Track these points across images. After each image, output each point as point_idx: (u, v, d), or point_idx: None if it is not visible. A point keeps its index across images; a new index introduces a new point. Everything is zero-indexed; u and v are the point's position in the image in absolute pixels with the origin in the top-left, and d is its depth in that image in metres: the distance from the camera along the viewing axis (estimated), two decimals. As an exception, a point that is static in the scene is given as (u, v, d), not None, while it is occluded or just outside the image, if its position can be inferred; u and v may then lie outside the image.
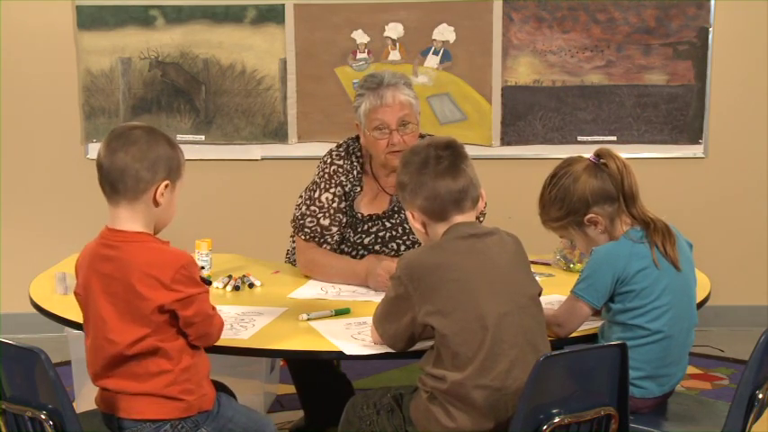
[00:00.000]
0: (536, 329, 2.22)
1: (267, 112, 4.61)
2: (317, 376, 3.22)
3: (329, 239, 3.03)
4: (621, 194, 2.42)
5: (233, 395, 2.50)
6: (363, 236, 3.07)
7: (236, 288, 2.89)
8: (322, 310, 2.62)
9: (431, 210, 2.24)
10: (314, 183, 3.09)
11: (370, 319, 2.37)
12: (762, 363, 2.25)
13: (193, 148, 4.54)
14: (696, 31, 4.53)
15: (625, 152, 2.54)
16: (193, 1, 4.52)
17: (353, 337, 2.41)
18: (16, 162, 4.67)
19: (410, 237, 3.05)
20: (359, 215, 3.07)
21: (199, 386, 2.22)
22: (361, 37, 4.55)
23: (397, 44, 4.55)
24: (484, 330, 2.13)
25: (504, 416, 2.14)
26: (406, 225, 3.04)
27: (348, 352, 2.33)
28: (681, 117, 4.60)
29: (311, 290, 2.90)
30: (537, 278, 2.37)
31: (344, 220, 3.05)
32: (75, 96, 4.62)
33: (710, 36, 4.53)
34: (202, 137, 4.63)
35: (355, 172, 3.08)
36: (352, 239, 3.07)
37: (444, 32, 4.54)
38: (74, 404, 2.20)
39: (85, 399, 3.00)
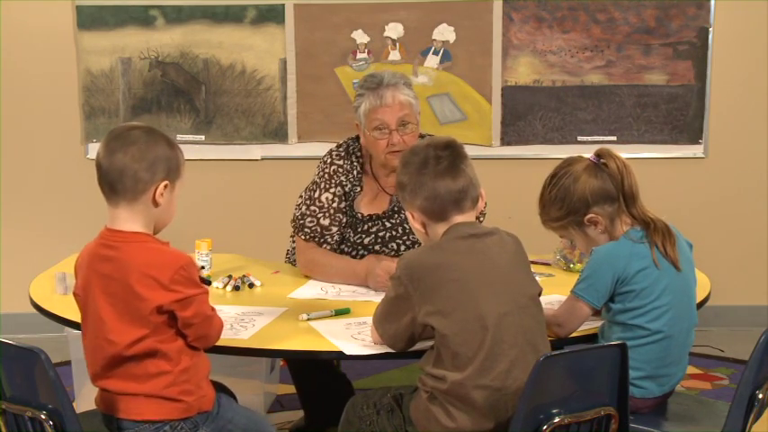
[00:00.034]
0: (536, 329, 2.22)
1: (267, 112, 4.61)
2: (316, 376, 3.22)
3: (329, 239, 3.03)
4: (621, 194, 2.42)
5: (233, 396, 2.50)
6: (363, 236, 3.07)
7: (236, 288, 2.89)
8: (322, 310, 2.62)
9: (430, 210, 2.24)
10: (314, 183, 3.09)
11: (370, 319, 2.37)
12: (762, 363, 2.25)
13: (193, 148, 4.54)
14: (696, 31, 4.53)
15: (625, 152, 2.54)
16: (193, 1, 4.52)
17: (353, 337, 2.41)
18: (16, 162, 4.67)
19: (410, 237, 3.05)
20: (359, 215, 3.07)
21: (198, 387, 2.22)
22: (361, 37, 4.55)
23: (397, 44, 4.55)
24: (484, 330, 2.13)
25: (504, 416, 2.14)
26: (406, 225, 3.04)
27: (348, 352, 2.33)
28: (681, 117, 4.60)
29: (311, 290, 2.90)
30: (537, 278, 2.37)
31: (344, 220, 3.05)
32: (75, 96, 4.62)
33: (710, 36, 4.53)
34: (202, 137, 4.63)
35: (355, 172, 3.08)
36: (352, 239, 3.07)
37: (444, 32, 4.54)
38: (74, 404, 2.20)
39: (85, 399, 3.00)
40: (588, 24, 4.53)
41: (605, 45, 4.54)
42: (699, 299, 2.60)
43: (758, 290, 4.72)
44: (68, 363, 3.51)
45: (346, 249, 3.08)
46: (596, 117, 4.60)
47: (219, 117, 4.62)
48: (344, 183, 3.06)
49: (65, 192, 4.68)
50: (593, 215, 2.43)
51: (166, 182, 2.18)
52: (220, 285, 2.90)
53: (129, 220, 2.17)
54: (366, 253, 3.05)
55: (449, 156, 2.25)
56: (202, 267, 2.97)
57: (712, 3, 4.50)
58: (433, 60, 4.56)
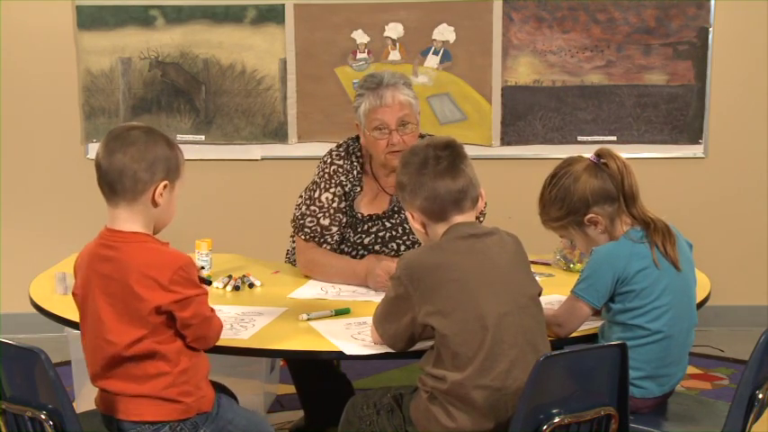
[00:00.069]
0: (536, 329, 2.22)
1: (267, 112, 4.61)
2: (316, 376, 3.22)
3: (329, 239, 3.03)
4: (622, 194, 2.41)
5: (234, 397, 2.50)
6: (363, 236, 3.07)
7: (236, 288, 2.89)
8: (322, 310, 2.62)
9: (430, 210, 2.24)
10: (314, 183, 3.09)
11: (370, 319, 2.37)
12: (762, 363, 2.25)
13: (193, 148, 4.54)
14: (696, 31, 4.53)
15: (625, 152, 2.54)
16: (193, 1, 4.52)
17: (353, 337, 2.41)
18: (16, 162, 4.67)
19: (410, 237, 3.05)
20: (359, 215, 3.07)
21: (197, 388, 2.22)
22: (361, 37, 4.55)
23: (397, 44, 4.55)
24: (484, 330, 2.13)
25: (504, 416, 2.13)
26: (406, 225, 3.04)
27: (348, 352, 2.33)
28: (681, 117, 4.60)
29: (311, 290, 2.90)
30: (537, 278, 2.37)
31: (344, 219, 3.05)
32: (75, 96, 4.62)
33: (710, 36, 4.53)
34: (202, 137, 4.63)
35: (355, 172, 3.08)
36: (352, 239, 3.07)
37: (444, 32, 4.54)
38: (74, 404, 2.20)
39: (85, 399, 3.00)
40: (588, 24, 4.53)
41: (605, 45, 4.54)
42: (699, 299, 2.60)
43: (758, 290, 4.72)
44: (68, 363, 3.51)
45: (346, 249, 3.08)
46: (596, 117, 4.60)
47: (219, 117, 4.62)
48: (344, 183, 3.06)
49: (65, 192, 4.68)
50: (593, 215, 2.43)
51: (166, 182, 2.18)
52: (220, 285, 2.90)
53: (129, 220, 2.17)
54: (366, 253, 3.05)
55: (448, 156, 2.25)
56: (202, 267, 2.97)
57: (712, 3, 4.50)
58: (433, 60, 4.56)
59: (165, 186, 2.18)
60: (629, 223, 2.43)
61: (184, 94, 4.60)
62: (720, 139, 4.63)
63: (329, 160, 3.09)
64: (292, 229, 3.13)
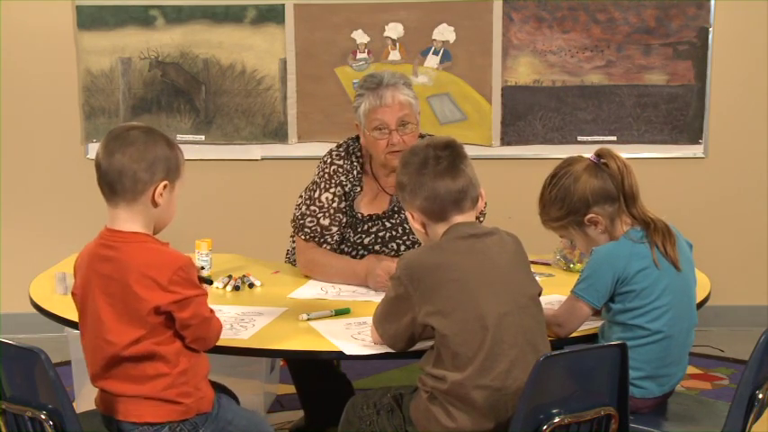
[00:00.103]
0: (536, 329, 2.22)
1: (267, 112, 4.61)
2: (316, 376, 3.22)
3: (329, 239, 3.03)
4: (622, 194, 2.41)
5: (235, 397, 2.49)
6: (363, 236, 3.07)
7: (236, 288, 2.89)
8: (322, 310, 2.62)
9: (430, 210, 2.24)
10: (314, 183, 3.09)
11: (370, 319, 2.37)
12: (762, 363, 2.25)
13: (193, 148, 4.54)
14: (696, 31, 4.53)
15: (625, 152, 2.54)
16: (193, 1, 4.52)
17: (353, 337, 2.41)
18: (16, 162, 4.67)
19: (410, 237, 3.05)
20: (359, 215, 3.07)
21: (197, 389, 2.22)
22: (361, 37, 4.55)
23: (397, 44, 4.55)
24: (484, 330, 2.13)
25: (504, 416, 2.13)
26: (406, 225, 3.04)
27: (348, 352, 2.33)
28: (681, 117, 4.60)
29: (311, 290, 2.90)
30: (537, 278, 2.37)
31: (344, 219, 3.05)
32: (75, 96, 4.62)
33: (710, 36, 4.53)
34: (202, 137, 4.63)
35: (355, 172, 3.08)
36: (352, 239, 3.07)
37: (444, 32, 4.54)
38: (74, 404, 2.20)
39: (85, 399, 3.00)
40: (588, 24, 4.53)
41: (605, 45, 4.54)
42: (699, 299, 2.60)
43: (758, 290, 4.72)
44: (68, 363, 3.51)
45: (346, 249, 3.08)
46: (596, 117, 4.60)
47: (219, 117, 4.62)
48: (344, 183, 3.06)
49: (65, 192, 4.68)
50: (593, 215, 2.43)
51: (166, 182, 2.18)
52: (220, 285, 2.90)
53: (129, 220, 2.17)
54: (366, 253, 3.05)
55: (448, 156, 2.24)
56: (202, 267, 2.98)
57: (712, 3, 4.50)
58: (433, 60, 4.56)
59: (164, 186, 2.18)
60: (629, 223, 2.43)
61: (184, 94, 4.60)
62: (720, 139, 4.63)
63: (329, 160, 3.09)
64: (292, 229, 3.13)
